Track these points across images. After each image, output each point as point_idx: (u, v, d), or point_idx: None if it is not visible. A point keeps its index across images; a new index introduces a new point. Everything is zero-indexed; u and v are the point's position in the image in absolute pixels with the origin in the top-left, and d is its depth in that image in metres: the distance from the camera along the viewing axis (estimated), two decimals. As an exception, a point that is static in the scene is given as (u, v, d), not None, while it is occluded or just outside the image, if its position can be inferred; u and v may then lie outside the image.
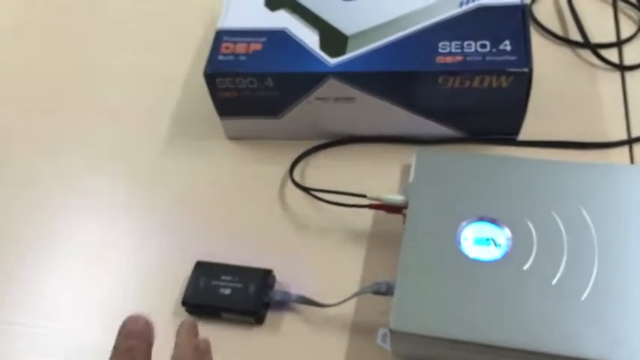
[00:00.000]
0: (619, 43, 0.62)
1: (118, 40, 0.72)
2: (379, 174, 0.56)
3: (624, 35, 0.63)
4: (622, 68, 0.60)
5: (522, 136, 0.57)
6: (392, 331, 0.42)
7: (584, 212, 0.44)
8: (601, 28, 0.63)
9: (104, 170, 0.61)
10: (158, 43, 0.71)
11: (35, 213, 0.59)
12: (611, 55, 0.61)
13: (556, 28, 0.64)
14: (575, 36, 0.63)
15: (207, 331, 0.49)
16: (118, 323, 0.50)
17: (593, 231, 0.43)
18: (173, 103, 0.65)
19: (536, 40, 0.63)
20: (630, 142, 0.55)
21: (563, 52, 0.63)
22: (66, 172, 0.62)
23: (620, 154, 0.55)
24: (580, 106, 0.58)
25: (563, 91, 0.59)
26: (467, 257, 0.44)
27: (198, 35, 0.70)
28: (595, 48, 0.61)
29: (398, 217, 0.50)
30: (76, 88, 0.68)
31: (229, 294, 0.49)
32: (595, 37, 0.62)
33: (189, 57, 0.69)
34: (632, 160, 0.55)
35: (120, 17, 0.75)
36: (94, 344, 0.50)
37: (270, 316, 0.50)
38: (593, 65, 0.61)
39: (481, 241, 0.45)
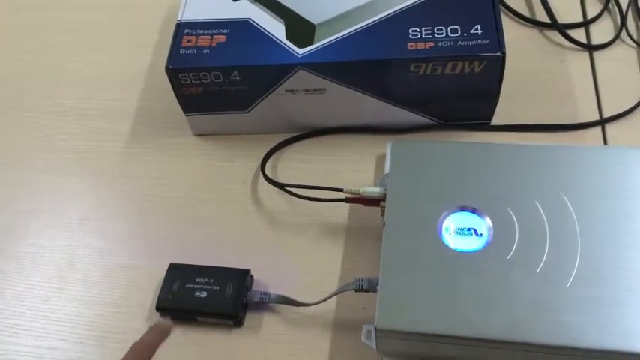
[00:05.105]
0: (586, 23, 0.62)
1: (74, 39, 0.69)
2: (353, 166, 0.55)
3: (590, 15, 0.62)
4: (590, 48, 0.60)
5: (495, 120, 0.56)
6: (378, 330, 0.40)
7: (565, 197, 0.44)
8: (567, 9, 0.63)
9: (66, 173, 0.58)
10: (114, 40, 0.68)
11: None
12: (579, 35, 0.61)
13: (522, 9, 0.64)
14: (542, 17, 0.62)
15: (184, 335, 0.48)
16: (92, 332, 0.49)
17: (574, 216, 0.43)
18: (134, 101, 0.63)
19: (503, 22, 0.61)
20: (602, 122, 0.55)
21: (531, 34, 0.62)
22: (27, 177, 0.59)
23: (593, 134, 0.55)
24: (550, 87, 0.58)
25: (532, 73, 0.59)
26: (449, 249, 0.43)
27: (156, 29, 0.68)
28: (562, 28, 0.61)
29: (375, 209, 0.49)
30: (34, 90, 0.65)
31: (205, 297, 0.47)
32: (561, 18, 0.62)
33: (148, 52, 0.66)
34: (605, 141, 0.54)
35: (75, 16, 0.71)
36: (68, 356, 0.48)
37: (249, 318, 0.48)
38: (561, 46, 0.61)
39: (463, 232, 0.44)
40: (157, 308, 0.47)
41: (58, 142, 0.61)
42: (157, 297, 0.48)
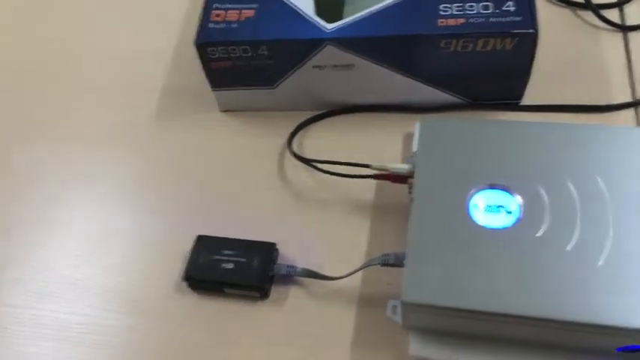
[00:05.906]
0: (620, 4, 0.61)
1: (102, 17, 0.69)
2: (380, 144, 0.55)
3: (625, -5, 0.61)
4: (624, 29, 0.59)
5: (525, 100, 0.55)
6: (404, 303, 0.40)
7: (597, 176, 0.43)
8: (600, -11, 0.62)
9: (97, 149, 0.59)
10: (141, 17, 0.68)
11: (32, 195, 0.57)
12: (613, 15, 0.60)
13: (555, -11, 0.63)
14: (575, -3, 0.62)
15: (211, 306, 0.48)
16: (120, 301, 0.50)
17: (606, 194, 0.42)
18: (163, 77, 0.63)
19: (536, 2, 0.61)
20: (636, 104, 0.54)
21: (564, 14, 0.61)
22: (58, 153, 0.59)
23: (625, 116, 0.54)
24: (583, 68, 0.57)
25: (565, 53, 0.58)
26: (478, 225, 0.42)
27: (184, 5, 0.68)
28: (596, 9, 0.60)
29: (401, 186, 0.48)
30: (62, 68, 0.66)
31: (232, 268, 0.47)
32: (595, -2, 0.61)
33: (176, 28, 0.66)
34: (638, 122, 0.53)
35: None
36: (96, 322, 0.49)
37: (275, 291, 0.48)
38: (594, 26, 0.60)
39: (492, 209, 0.43)
40: (184, 278, 0.48)
41: (86, 117, 0.61)
42: (184, 268, 0.48)
